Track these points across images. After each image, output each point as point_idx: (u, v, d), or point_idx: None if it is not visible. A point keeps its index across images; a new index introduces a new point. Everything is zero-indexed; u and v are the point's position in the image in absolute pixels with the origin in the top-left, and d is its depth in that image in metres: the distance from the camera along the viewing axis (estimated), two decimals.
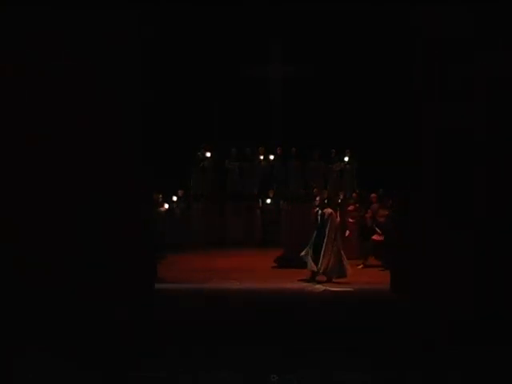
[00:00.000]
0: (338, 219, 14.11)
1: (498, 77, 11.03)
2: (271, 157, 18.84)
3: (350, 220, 15.79)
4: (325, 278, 13.47)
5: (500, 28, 11.06)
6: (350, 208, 16.06)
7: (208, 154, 18.62)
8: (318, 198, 14.12)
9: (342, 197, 16.90)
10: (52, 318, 9.79)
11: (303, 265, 13.70)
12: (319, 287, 13.03)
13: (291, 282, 13.38)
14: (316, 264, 13.42)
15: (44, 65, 11.15)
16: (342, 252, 13.52)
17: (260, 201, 18.27)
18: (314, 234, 13.58)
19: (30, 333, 9.20)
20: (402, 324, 9.86)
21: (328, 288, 12.96)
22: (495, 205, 11.06)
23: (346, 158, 18.46)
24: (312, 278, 13.50)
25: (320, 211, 13.63)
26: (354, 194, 16.63)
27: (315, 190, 16.26)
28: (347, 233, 15.45)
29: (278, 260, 14.99)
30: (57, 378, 7.78)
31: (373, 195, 15.60)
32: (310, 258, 13.49)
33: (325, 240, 13.39)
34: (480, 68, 11.11)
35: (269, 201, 17.98)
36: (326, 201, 13.99)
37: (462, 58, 11.16)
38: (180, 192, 17.56)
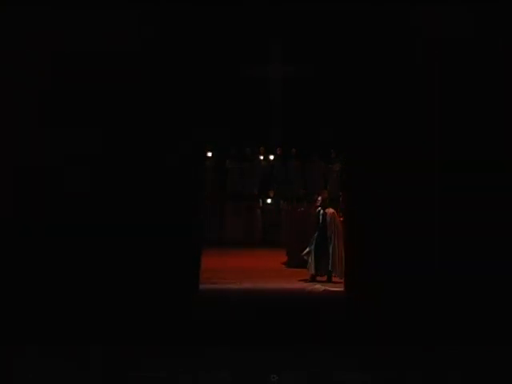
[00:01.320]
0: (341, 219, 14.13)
1: (498, 77, 11.03)
2: (271, 157, 18.84)
3: None
4: (325, 278, 13.47)
5: (500, 28, 11.06)
6: None
7: (208, 154, 18.63)
8: (319, 198, 14.10)
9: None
10: (52, 318, 9.78)
11: (305, 264, 13.70)
12: (319, 287, 13.02)
13: (291, 282, 13.38)
14: (316, 268, 13.42)
15: (44, 65, 11.14)
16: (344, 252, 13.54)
17: (260, 201, 18.27)
18: (316, 235, 13.57)
19: (29, 333, 9.19)
20: (401, 323, 9.85)
21: (328, 288, 12.95)
22: (495, 205, 11.05)
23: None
24: (312, 278, 13.50)
25: (322, 211, 13.62)
26: None
27: (322, 191, 16.24)
28: None
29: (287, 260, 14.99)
30: (57, 378, 7.78)
31: None
32: (310, 260, 13.48)
33: (333, 242, 13.37)
34: (479, 68, 11.10)
35: (269, 201, 17.97)
36: (327, 200, 13.98)
37: (462, 58, 11.15)
38: None
